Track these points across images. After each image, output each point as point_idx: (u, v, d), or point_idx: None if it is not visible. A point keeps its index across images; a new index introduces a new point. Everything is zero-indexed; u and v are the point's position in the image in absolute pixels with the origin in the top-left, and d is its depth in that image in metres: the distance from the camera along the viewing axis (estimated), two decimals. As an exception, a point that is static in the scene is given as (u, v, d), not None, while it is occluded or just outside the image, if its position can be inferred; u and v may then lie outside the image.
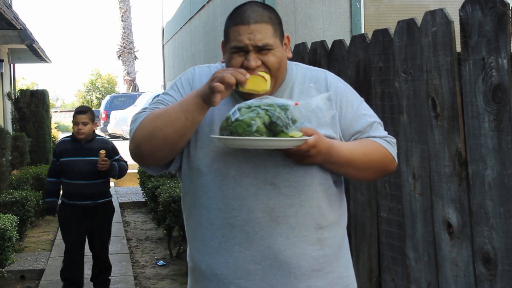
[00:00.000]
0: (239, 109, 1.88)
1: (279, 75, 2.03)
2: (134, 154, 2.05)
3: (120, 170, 5.40)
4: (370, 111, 2.15)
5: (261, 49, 1.98)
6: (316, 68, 2.21)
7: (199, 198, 2.08)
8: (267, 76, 1.96)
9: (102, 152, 5.22)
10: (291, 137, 1.86)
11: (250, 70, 1.97)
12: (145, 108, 2.11)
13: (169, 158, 2.06)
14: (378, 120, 2.15)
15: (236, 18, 2.01)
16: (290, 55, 2.10)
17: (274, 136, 1.86)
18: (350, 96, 2.14)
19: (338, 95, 2.11)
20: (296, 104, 1.89)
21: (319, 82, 2.12)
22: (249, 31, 1.97)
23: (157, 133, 1.97)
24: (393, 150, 2.12)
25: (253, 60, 1.97)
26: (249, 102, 1.90)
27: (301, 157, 1.93)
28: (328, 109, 1.95)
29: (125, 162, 5.46)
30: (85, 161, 5.30)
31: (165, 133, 1.96)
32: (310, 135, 1.90)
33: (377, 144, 2.08)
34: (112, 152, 5.44)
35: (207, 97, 1.91)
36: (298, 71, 2.15)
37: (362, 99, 2.18)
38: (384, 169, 2.14)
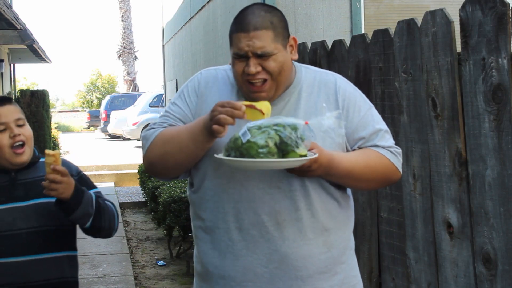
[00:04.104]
0: (249, 130, 1.87)
1: (281, 79, 2.03)
2: (149, 171, 2.14)
3: (100, 209, 2.39)
4: (378, 118, 2.13)
5: (261, 56, 1.98)
6: (326, 71, 2.21)
7: (206, 201, 2.09)
8: (265, 108, 1.94)
9: (51, 152, 2.26)
10: (300, 155, 1.85)
11: (250, 76, 1.98)
12: (155, 123, 2.14)
13: (182, 173, 2.14)
14: (385, 128, 2.12)
15: (237, 24, 2.01)
16: (296, 57, 2.09)
17: (283, 155, 1.85)
18: (358, 101, 2.12)
19: (346, 99, 2.10)
20: (306, 123, 1.89)
21: (328, 86, 2.12)
22: (248, 39, 1.97)
23: (169, 158, 2.04)
24: (397, 161, 2.10)
25: (253, 66, 1.97)
26: (259, 122, 1.89)
27: (302, 172, 1.93)
28: (338, 127, 1.94)
29: (112, 203, 2.51)
30: (21, 211, 2.36)
31: (176, 158, 2.04)
32: (311, 150, 1.90)
33: (379, 155, 2.06)
34: (83, 182, 2.45)
35: (213, 132, 1.92)
36: (308, 74, 2.14)
37: (372, 105, 2.16)
38: (386, 180, 2.12)
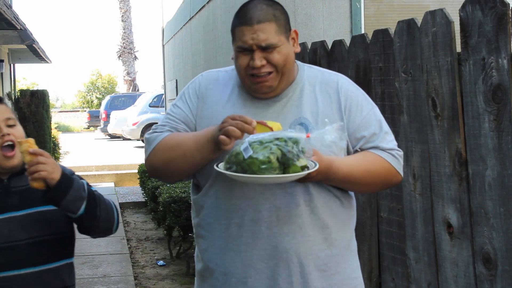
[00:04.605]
0: (251, 145, 1.87)
1: (286, 70, 2.05)
2: (152, 175, 2.17)
3: (94, 197, 2.20)
4: (380, 118, 2.14)
5: (266, 48, 2.00)
6: (329, 71, 2.22)
7: (208, 198, 2.11)
8: (276, 127, 1.94)
9: (23, 140, 2.17)
10: (301, 166, 1.86)
11: (255, 69, 2.00)
12: (157, 126, 2.15)
13: (185, 178, 2.17)
14: (386, 129, 2.12)
15: (240, 18, 2.03)
16: (298, 49, 2.11)
17: (285, 168, 1.86)
18: (361, 101, 2.13)
19: (348, 99, 2.10)
20: (308, 136, 1.89)
21: (330, 85, 2.13)
22: (253, 32, 1.99)
23: (172, 164, 2.07)
24: (398, 164, 2.10)
25: (258, 60, 1.99)
26: (261, 136, 1.89)
27: (302, 179, 1.93)
28: (340, 140, 1.94)
29: (111, 201, 2.32)
30: (18, 221, 2.21)
31: (180, 166, 2.07)
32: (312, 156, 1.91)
33: (380, 158, 2.06)
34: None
35: (219, 143, 1.93)
36: (310, 72, 2.16)
37: (375, 105, 2.16)
38: (386, 183, 2.13)
